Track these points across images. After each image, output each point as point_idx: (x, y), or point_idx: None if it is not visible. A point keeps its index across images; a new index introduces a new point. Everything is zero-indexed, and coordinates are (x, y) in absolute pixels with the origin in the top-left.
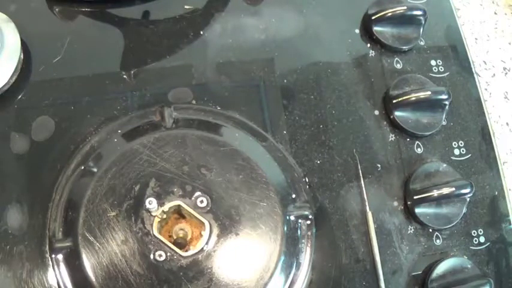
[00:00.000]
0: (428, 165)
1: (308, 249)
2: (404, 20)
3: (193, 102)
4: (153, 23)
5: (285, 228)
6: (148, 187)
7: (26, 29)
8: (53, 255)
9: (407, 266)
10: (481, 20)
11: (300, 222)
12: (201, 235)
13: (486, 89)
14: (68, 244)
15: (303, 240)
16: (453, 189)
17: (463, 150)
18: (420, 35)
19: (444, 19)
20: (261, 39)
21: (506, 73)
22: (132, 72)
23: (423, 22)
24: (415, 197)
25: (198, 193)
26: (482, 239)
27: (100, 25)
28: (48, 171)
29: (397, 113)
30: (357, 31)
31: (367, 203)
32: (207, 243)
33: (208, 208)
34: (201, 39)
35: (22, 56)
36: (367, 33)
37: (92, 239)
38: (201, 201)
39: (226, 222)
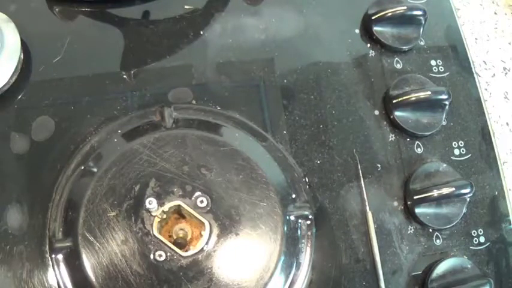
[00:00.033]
0: (428, 165)
1: (308, 249)
2: (404, 20)
3: (193, 102)
4: (153, 23)
5: (285, 228)
6: (148, 187)
7: (26, 29)
8: (53, 255)
9: (407, 266)
10: (481, 20)
11: (300, 222)
12: (201, 235)
13: (486, 89)
14: (68, 244)
15: (303, 240)
16: (453, 189)
17: (463, 150)
18: (420, 35)
19: (444, 19)
20: (261, 39)
21: (506, 73)
22: (132, 72)
23: (423, 22)
24: (415, 197)
25: (198, 193)
26: (482, 239)
27: (100, 25)
28: (48, 171)
29: (397, 113)
30: (357, 31)
31: (367, 203)
32: (207, 243)
33: (208, 208)
34: (201, 39)
35: (22, 56)
36: (367, 33)
37: (92, 239)
38: (201, 201)
39: (226, 222)
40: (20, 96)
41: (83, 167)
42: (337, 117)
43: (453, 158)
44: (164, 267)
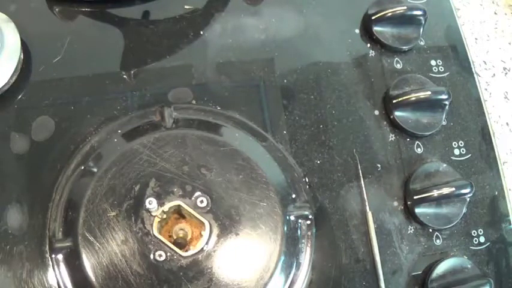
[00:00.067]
0: (428, 165)
1: (308, 249)
2: (404, 20)
3: (193, 102)
4: (153, 23)
5: (285, 228)
6: (148, 187)
7: (26, 29)
8: (53, 255)
9: (407, 266)
10: (481, 20)
11: (300, 222)
12: (201, 235)
13: (486, 89)
14: (68, 244)
15: (303, 240)
16: (453, 189)
17: (463, 150)
18: (420, 35)
19: (444, 19)
20: (261, 39)
21: (506, 73)
22: (132, 72)
23: (423, 22)
24: (415, 197)
25: (198, 193)
26: (482, 239)
27: (100, 25)
28: (48, 171)
29: (397, 113)
30: (357, 31)
31: (367, 203)
32: (207, 243)
33: (208, 208)
34: (201, 39)
35: (22, 56)
36: (367, 33)
37: (92, 239)
38: (201, 201)
39: (226, 222)
40: (20, 96)
41: (83, 167)
42: (337, 117)
43: (453, 158)
44: (164, 267)
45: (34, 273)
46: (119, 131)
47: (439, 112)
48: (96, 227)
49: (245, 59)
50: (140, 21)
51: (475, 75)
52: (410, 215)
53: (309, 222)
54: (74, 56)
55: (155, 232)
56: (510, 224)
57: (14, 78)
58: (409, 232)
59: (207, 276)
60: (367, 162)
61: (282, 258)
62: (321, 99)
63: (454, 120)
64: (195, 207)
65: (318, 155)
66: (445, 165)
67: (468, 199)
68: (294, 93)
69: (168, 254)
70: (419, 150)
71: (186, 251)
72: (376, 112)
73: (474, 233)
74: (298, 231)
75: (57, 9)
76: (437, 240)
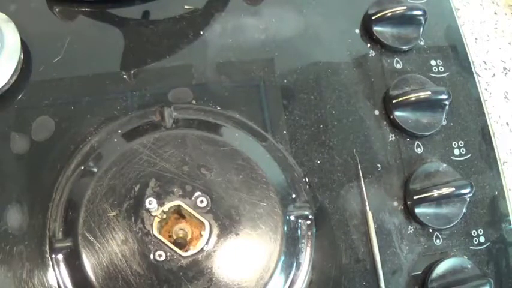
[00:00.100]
0: (428, 165)
1: (308, 249)
2: (404, 20)
3: (193, 102)
4: (153, 23)
5: (285, 228)
6: (148, 187)
7: (26, 29)
8: (53, 255)
9: (407, 266)
10: (481, 20)
11: (300, 222)
12: (201, 235)
13: (486, 89)
14: (68, 244)
15: (303, 240)
16: (453, 189)
17: (463, 150)
18: (420, 35)
19: (444, 19)
20: (261, 39)
21: (506, 73)
22: (132, 72)
23: (423, 22)
24: (415, 197)
25: (198, 193)
26: (482, 239)
27: (100, 25)
28: (48, 171)
29: (397, 113)
30: (357, 31)
31: (367, 203)
32: (207, 243)
33: (208, 208)
34: (201, 39)
35: (22, 56)
36: (367, 33)
37: (92, 239)
38: (201, 201)
39: (226, 222)
40: (20, 96)
41: (83, 167)
42: (337, 117)
43: (453, 158)
44: (164, 267)
45: (34, 273)
46: (119, 131)
47: (439, 112)
48: (96, 227)
49: (245, 59)
50: (140, 21)
51: (475, 75)
52: (410, 215)
53: (309, 222)
54: (74, 56)
55: (155, 232)
56: (510, 224)
57: (14, 78)
58: (409, 232)
59: (207, 276)
60: (367, 162)
61: (282, 258)
62: (321, 99)
63: (454, 120)
64: (195, 207)
65: (318, 155)
66: (445, 165)
67: (468, 199)
68: (294, 93)
69: (168, 254)
70: (419, 150)
71: (186, 251)
72: (376, 112)
73: (474, 233)
74: (298, 231)
75: (57, 9)
76: (437, 240)
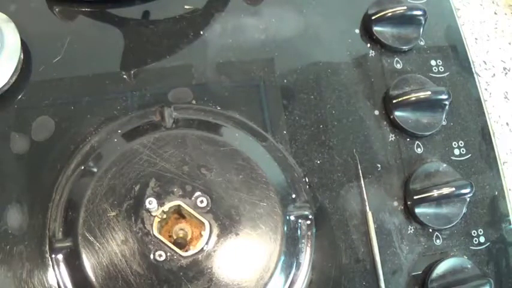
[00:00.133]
0: (428, 165)
1: (308, 249)
2: (404, 20)
3: (193, 102)
4: (153, 23)
5: (285, 228)
6: (148, 187)
7: (26, 29)
8: (53, 255)
9: (407, 266)
10: (481, 20)
11: (300, 222)
12: (201, 235)
13: (486, 89)
14: (68, 244)
15: (303, 240)
16: (453, 189)
17: (463, 150)
18: (420, 35)
19: (444, 19)
20: (261, 39)
21: (506, 73)
22: (132, 72)
23: (423, 22)
24: (415, 197)
25: (198, 193)
26: (482, 239)
27: (100, 25)
28: (48, 171)
29: (397, 113)
30: (357, 31)
31: (367, 203)
32: (207, 243)
33: (208, 208)
34: (201, 39)
35: (22, 56)
36: (367, 33)
37: (92, 239)
38: (201, 201)
39: (226, 222)
40: (20, 96)
41: (83, 167)
42: (337, 117)
43: (453, 158)
44: (164, 267)
45: (34, 273)
46: (119, 131)
47: (439, 112)
48: (96, 227)
49: (245, 59)
50: (140, 21)
51: (475, 75)
52: (410, 215)
53: (309, 222)
54: (74, 56)
55: (155, 232)
56: (510, 224)
57: (14, 78)
58: (409, 232)
59: (207, 276)
60: (367, 162)
61: (282, 258)
62: (321, 99)
63: (454, 120)
64: (195, 207)
65: (318, 155)
66: (445, 165)
67: (468, 199)
68: (294, 93)
69: (168, 254)
70: (419, 150)
71: (186, 251)
72: (376, 112)
73: (474, 233)
74: (298, 231)
75: (57, 9)
76: (437, 240)
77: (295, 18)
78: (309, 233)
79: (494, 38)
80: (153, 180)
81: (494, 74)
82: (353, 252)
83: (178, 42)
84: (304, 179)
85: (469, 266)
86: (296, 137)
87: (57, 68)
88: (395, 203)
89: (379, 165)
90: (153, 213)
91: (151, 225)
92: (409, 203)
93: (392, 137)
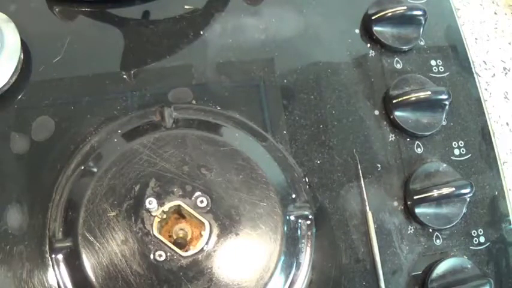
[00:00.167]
0: (428, 165)
1: (308, 249)
2: (404, 20)
3: (193, 102)
4: (153, 23)
5: (285, 228)
6: (148, 187)
7: (26, 29)
8: (53, 255)
9: (407, 266)
10: (481, 20)
11: (300, 222)
12: (201, 235)
13: (486, 89)
14: (68, 244)
15: (303, 240)
16: (453, 189)
17: (463, 150)
18: (420, 35)
19: (444, 19)
20: (261, 39)
21: (506, 73)
22: (132, 72)
23: (423, 22)
24: (415, 197)
25: (198, 193)
26: (482, 239)
27: (100, 25)
28: (48, 171)
29: (397, 113)
30: (357, 31)
31: (367, 203)
32: (207, 243)
33: (208, 208)
34: (201, 39)
35: (22, 56)
36: (367, 33)
37: (92, 239)
38: (201, 201)
39: (226, 222)
40: (20, 96)
41: (83, 167)
42: (337, 117)
43: (453, 158)
44: (164, 267)
45: (34, 273)
46: (119, 131)
47: (439, 112)
48: (96, 227)
49: (245, 59)
50: (140, 21)
51: (475, 75)
52: (410, 215)
53: (309, 222)
54: (74, 56)
55: (155, 232)
56: (510, 224)
57: (14, 78)
58: (409, 232)
59: (207, 276)
60: (367, 162)
61: (282, 258)
62: (321, 99)
63: (454, 120)
64: (195, 207)
65: (318, 155)
66: (445, 165)
67: (468, 199)
68: (294, 93)
69: (168, 254)
70: (419, 150)
71: (186, 251)
72: (376, 112)
73: (474, 233)
74: (298, 231)
75: (57, 9)
76: (437, 240)
77: (295, 18)
78: (309, 233)
79: (494, 38)
80: (153, 180)
81: (494, 74)
82: (353, 252)
83: (178, 42)
84: (304, 179)
85: (469, 266)
86: (296, 137)
87: (57, 68)
88: (395, 203)
89: (379, 165)
90: (153, 213)
91: (151, 225)
92: (409, 203)
93: (392, 137)
